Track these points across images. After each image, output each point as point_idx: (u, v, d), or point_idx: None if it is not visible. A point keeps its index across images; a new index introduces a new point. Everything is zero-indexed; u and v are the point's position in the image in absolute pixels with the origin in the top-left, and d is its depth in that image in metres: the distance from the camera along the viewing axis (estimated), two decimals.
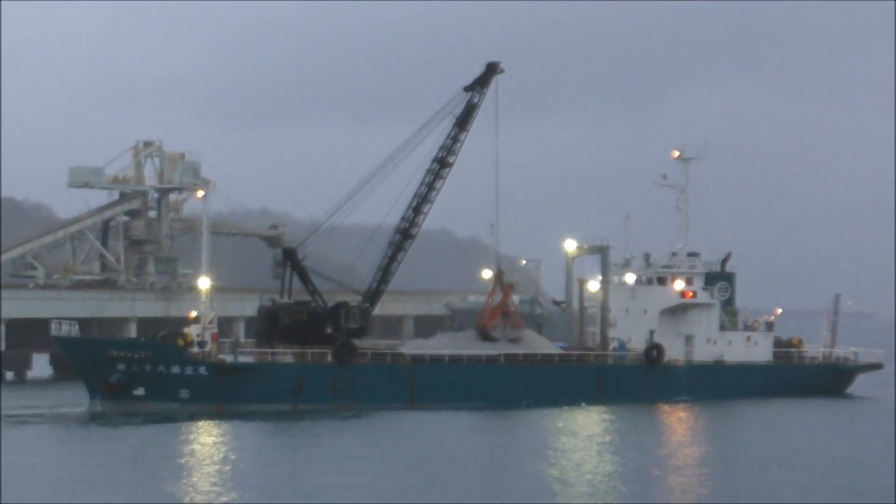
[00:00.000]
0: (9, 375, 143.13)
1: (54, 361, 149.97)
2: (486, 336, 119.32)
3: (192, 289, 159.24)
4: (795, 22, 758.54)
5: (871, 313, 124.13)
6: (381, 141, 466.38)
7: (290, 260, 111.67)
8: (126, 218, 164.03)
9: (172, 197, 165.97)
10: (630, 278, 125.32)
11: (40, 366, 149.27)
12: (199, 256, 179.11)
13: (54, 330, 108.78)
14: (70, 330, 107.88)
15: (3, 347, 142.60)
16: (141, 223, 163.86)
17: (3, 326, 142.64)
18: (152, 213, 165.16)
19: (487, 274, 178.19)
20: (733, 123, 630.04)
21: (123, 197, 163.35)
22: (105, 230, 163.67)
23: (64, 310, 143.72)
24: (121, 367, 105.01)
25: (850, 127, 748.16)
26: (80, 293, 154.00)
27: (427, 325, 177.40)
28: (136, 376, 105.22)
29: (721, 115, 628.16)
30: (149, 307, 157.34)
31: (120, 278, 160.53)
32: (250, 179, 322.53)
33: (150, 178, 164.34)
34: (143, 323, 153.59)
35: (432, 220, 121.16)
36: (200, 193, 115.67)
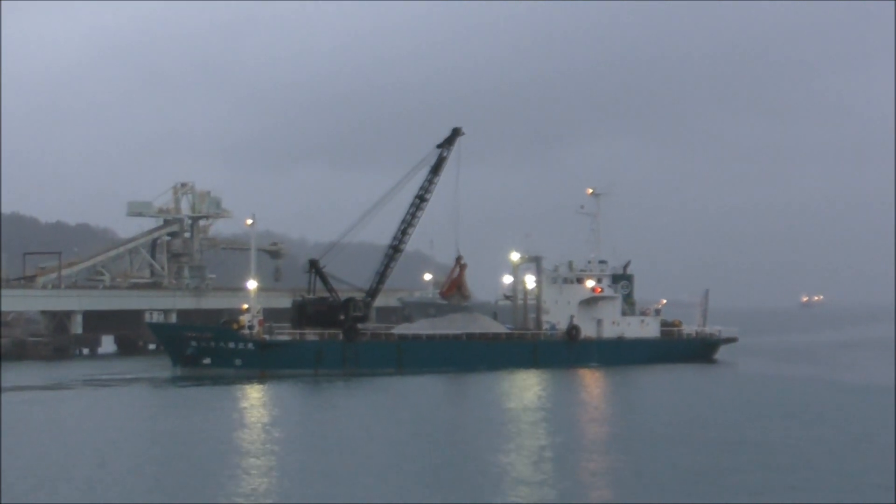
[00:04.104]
0: (84, 351, 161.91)
1: (118, 341, 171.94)
2: (445, 300, 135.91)
3: (217, 288, 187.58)
4: (662, 87, 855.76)
5: (698, 302, 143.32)
6: (354, 181, 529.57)
7: (314, 267, 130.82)
8: (168, 238, 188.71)
9: (202, 223, 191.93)
10: (530, 279, 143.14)
11: (107, 344, 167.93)
12: (220, 266, 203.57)
13: (147, 318, 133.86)
14: (159, 318, 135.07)
15: (80, 331, 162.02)
16: (179, 241, 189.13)
17: (80, 316, 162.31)
18: (187, 234, 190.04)
19: (428, 277, 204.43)
20: (615, 165, 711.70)
21: (166, 223, 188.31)
22: (153, 246, 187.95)
23: (124, 304, 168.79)
24: (193, 343, 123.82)
25: (708, 169, 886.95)
26: (135, 292, 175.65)
27: (385, 314, 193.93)
28: (204, 350, 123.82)
29: (606, 160, 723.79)
30: (185, 302, 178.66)
31: (164, 281, 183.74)
32: (256, 208, 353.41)
33: (185, 209, 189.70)
34: (181, 313, 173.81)
35: (383, 237, 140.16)
36: (249, 221, 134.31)
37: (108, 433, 75.92)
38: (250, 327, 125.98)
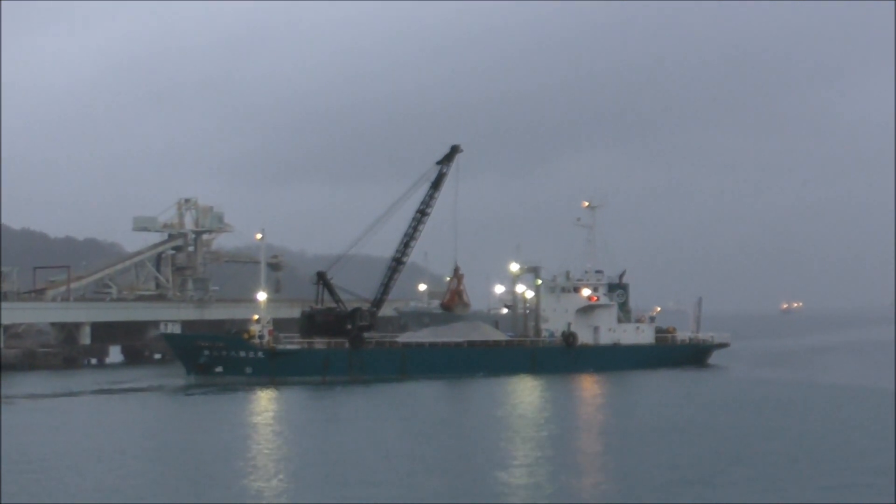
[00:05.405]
0: (93, 361, 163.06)
1: (125, 351, 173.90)
2: (448, 309, 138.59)
3: (219, 300, 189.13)
4: (656, 98, 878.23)
5: (683, 310, 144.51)
6: (350, 194, 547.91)
7: (322, 279, 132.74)
8: (172, 251, 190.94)
9: (205, 237, 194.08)
10: (520, 288, 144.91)
11: (114, 354, 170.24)
12: (223, 279, 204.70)
13: (161, 329, 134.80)
14: (173, 328, 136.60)
15: (88, 342, 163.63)
16: (183, 255, 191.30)
17: (89, 327, 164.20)
18: (191, 248, 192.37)
19: (422, 287, 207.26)
20: (609, 177, 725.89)
21: (171, 237, 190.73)
22: (158, 260, 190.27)
23: (130, 315, 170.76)
24: (206, 352, 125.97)
25: (699, 180, 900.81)
26: (141, 304, 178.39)
27: (382, 324, 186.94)
28: (216, 359, 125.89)
29: (600, 171, 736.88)
30: (189, 313, 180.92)
31: (168, 293, 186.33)
32: (255, 221, 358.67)
33: (189, 224, 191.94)
34: (185, 324, 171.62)
35: (385, 249, 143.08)
36: (259, 236, 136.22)
37: (136, 437, 77.69)
38: (261, 336, 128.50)
